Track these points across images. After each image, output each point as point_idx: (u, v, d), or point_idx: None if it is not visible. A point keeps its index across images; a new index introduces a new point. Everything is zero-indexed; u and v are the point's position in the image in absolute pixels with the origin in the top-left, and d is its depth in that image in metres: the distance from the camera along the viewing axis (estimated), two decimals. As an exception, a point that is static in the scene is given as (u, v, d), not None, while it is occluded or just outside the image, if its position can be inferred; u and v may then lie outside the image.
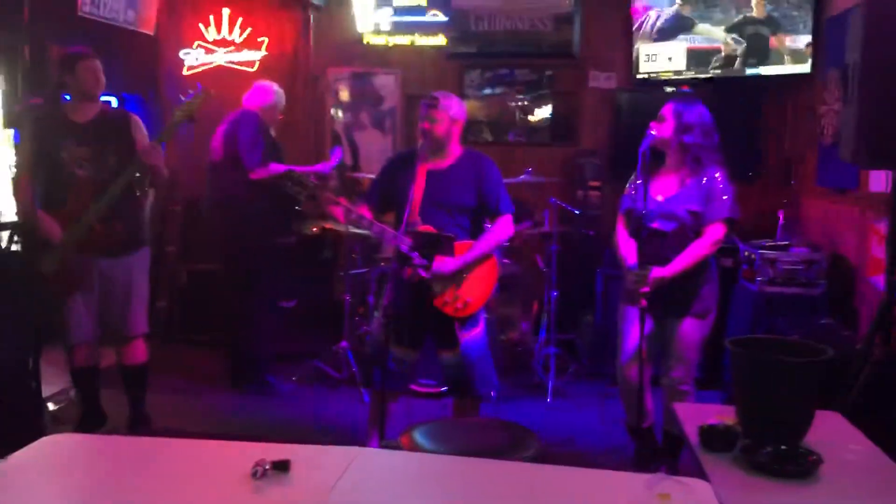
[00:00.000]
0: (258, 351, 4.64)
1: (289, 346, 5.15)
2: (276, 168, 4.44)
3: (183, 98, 3.61)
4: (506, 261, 4.71)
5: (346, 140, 6.00)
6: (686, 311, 3.22)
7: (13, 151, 4.11)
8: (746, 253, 4.41)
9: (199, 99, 3.61)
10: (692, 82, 5.29)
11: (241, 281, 4.61)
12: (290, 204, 4.66)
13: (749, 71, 5.05)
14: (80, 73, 3.58)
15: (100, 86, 3.64)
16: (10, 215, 4.39)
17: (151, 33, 5.67)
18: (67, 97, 3.70)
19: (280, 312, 5.00)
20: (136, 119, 3.76)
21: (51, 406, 4.10)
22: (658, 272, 3.10)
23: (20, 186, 3.52)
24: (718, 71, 5.16)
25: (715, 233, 3.17)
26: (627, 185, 3.44)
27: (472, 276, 3.28)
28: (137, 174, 3.59)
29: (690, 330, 3.24)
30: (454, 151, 3.39)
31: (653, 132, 3.21)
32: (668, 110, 3.25)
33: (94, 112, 3.66)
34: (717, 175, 3.20)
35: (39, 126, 3.59)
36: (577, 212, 5.02)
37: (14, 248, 3.70)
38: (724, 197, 3.18)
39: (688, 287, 3.20)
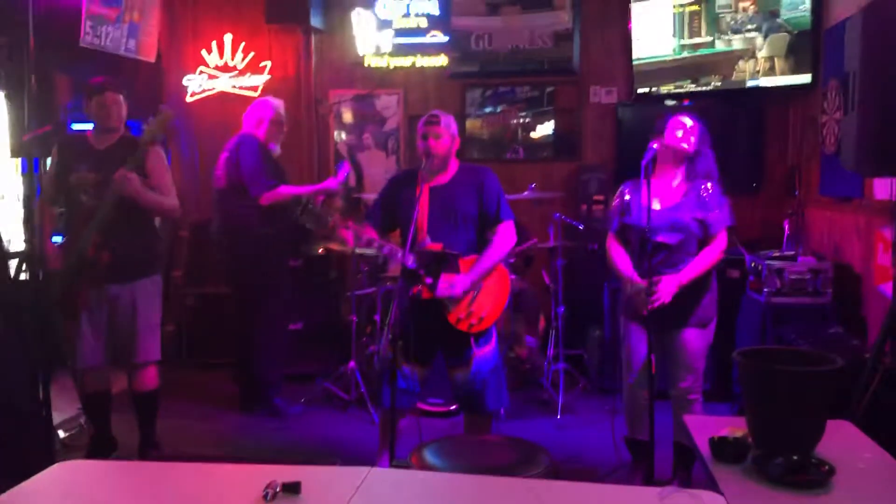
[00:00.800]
0: (266, 374, 4.64)
1: (297, 367, 5.16)
2: (287, 190, 4.43)
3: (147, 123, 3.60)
4: (512, 277, 4.70)
5: (350, 161, 6.04)
6: (686, 321, 3.25)
7: (20, 180, 4.16)
8: (753, 264, 4.41)
9: (160, 119, 3.58)
10: (693, 95, 5.31)
11: (250, 305, 4.62)
12: (297, 226, 4.68)
13: (750, 83, 5.07)
14: (93, 107, 3.61)
15: (113, 119, 3.63)
16: (19, 244, 4.41)
17: (152, 61, 5.73)
18: (76, 125, 3.74)
19: (287, 335, 5.00)
20: (156, 148, 3.69)
21: (61, 433, 4.10)
22: (672, 279, 3.12)
23: (39, 212, 3.55)
24: (719, 83, 5.18)
25: (722, 241, 3.26)
26: (614, 201, 3.47)
27: (484, 290, 3.29)
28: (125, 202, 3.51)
29: (693, 339, 3.27)
30: (453, 166, 3.41)
31: (684, 145, 3.25)
32: (688, 123, 3.29)
33: (114, 139, 3.66)
34: (709, 185, 3.28)
35: (59, 152, 3.63)
36: (581, 226, 5.03)
37: (23, 276, 3.73)
38: (724, 206, 3.27)
39: (688, 297, 3.22)
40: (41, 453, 3.28)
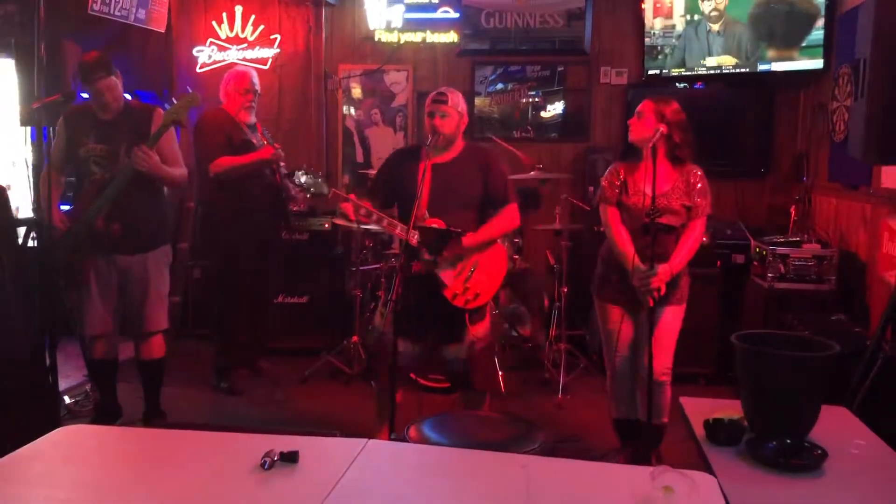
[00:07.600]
0: (226, 349, 4.69)
1: (301, 341, 5.21)
2: (226, 160, 4.31)
3: (174, 101, 3.59)
4: (516, 257, 4.72)
5: (357, 136, 6.03)
6: (666, 300, 3.23)
7: (31, 149, 4.17)
8: (757, 249, 4.40)
9: (185, 101, 3.57)
10: (703, 78, 5.28)
11: (216, 279, 4.77)
12: (278, 201, 4.65)
13: (761, 67, 5.03)
14: (100, 91, 3.56)
15: (109, 103, 3.59)
16: (27, 212, 4.44)
17: (162, 31, 5.71)
18: (84, 94, 3.74)
19: (262, 310, 4.90)
20: (160, 115, 3.67)
21: (67, 399, 4.15)
22: (666, 269, 3.12)
23: (45, 181, 3.57)
24: (730, 66, 5.14)
25: (702, 227, 3.25)
26: (607, 178, 3.34)
27: (480, 268, 3.29)
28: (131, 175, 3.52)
29: (671, 318, 3.27)
30: (458, 145, 3.40)
31: (646, 130, 3.17)
32: (647, 107, 3.21)
33: (119, 109, 3.64)
34: (698, 172, 3.25)
35: (66, 123, 3.63)
36: (587, 208, 5.03)
37: (31, 243, 3.77)
38: (707, 193, 3.24)
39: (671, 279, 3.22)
40: (47, 419, 3.33)
